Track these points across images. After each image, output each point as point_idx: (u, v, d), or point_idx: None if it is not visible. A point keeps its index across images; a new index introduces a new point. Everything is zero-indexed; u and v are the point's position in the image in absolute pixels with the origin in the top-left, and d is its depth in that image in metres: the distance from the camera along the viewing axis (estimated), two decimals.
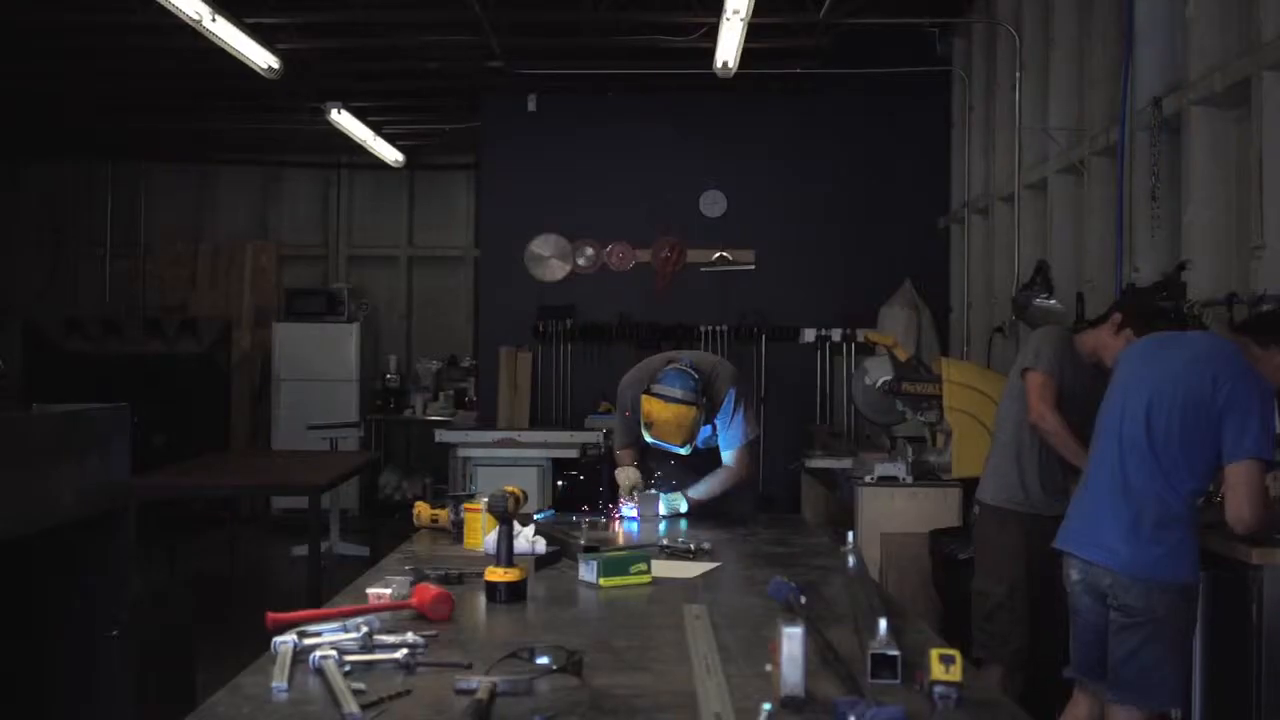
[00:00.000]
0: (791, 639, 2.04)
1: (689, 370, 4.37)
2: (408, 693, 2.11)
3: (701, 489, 4.50)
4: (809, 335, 9.24)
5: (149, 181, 12.26)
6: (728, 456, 4.59)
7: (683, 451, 4.40)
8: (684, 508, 4.42)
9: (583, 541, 3.45)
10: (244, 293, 11.88)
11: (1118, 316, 4.20)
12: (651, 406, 4.29)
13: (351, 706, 2.00)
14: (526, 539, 3.40)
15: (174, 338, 11.22)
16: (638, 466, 4.58)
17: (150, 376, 10.40)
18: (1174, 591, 3.28)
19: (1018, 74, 7.07)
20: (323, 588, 6.03)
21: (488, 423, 9.30)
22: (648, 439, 4.40)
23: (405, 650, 2.31)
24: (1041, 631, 4.36)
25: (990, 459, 4.53)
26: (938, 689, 2.06)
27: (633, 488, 4.44)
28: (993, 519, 4.45)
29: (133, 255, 12.22)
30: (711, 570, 3.36)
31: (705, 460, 4.59)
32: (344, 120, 9.53)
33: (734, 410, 4.55)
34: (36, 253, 12.05)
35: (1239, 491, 3.23)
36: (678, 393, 4.26)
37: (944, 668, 2.06)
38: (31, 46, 8.38)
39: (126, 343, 11.11)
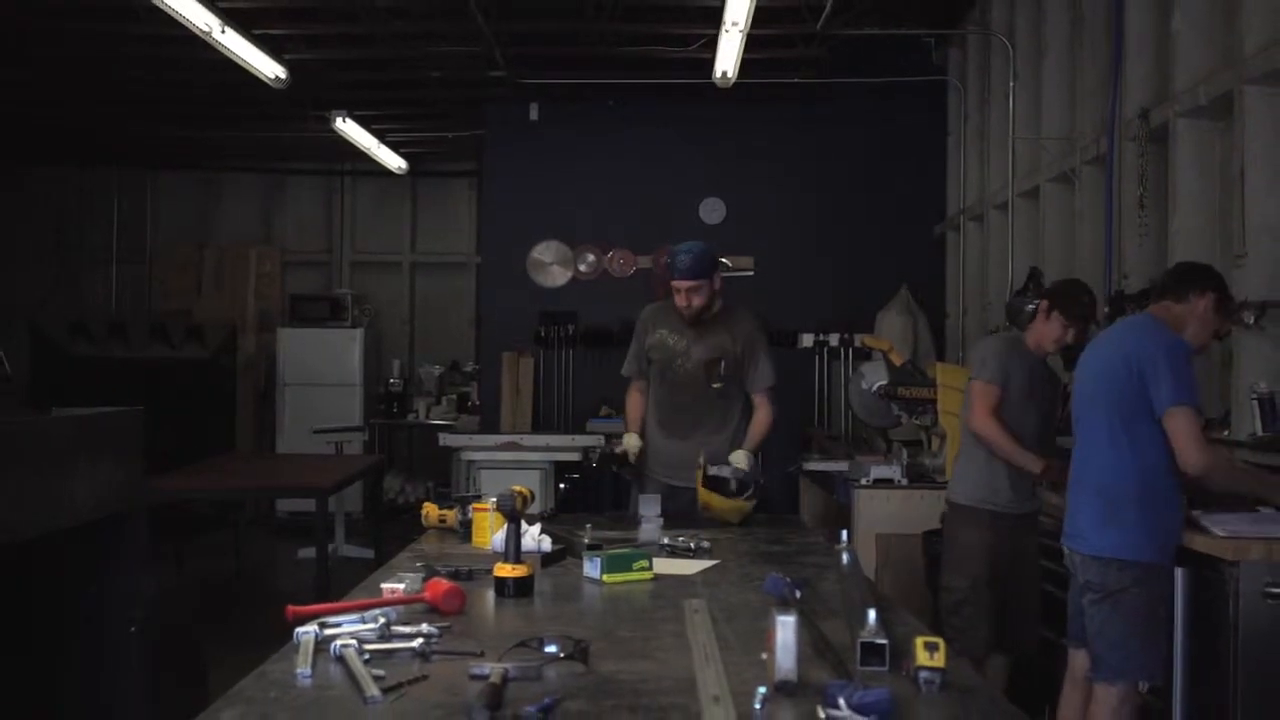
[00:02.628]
0: (785, 627, 2.16)
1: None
2: (424, 678, 2.23)
3: (752, 441, 4.72)
4: (807, 340, 9.34)
5: (155, 188, 12.42)
6: (757, 399, 4.83)
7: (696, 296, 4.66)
8: (745, 463, 4.57)
9: (586, 540, 3.58)
10: (248, 298, 12.02)
11: (1043, 303, 4.52)
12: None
13: (372, 690, 2.13)
14: (533, 537, 3.51)
15: (179, 342, 11.35)
16: (647, 395, 4.92)
17: (156, 380, 10.51)
18: (1133, 569, 3.51)
19: (1011, 84, 7.19)
20: (329, 589, 6.14)
21: (490, 426, 9.41)
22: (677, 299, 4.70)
23: (421, 639, 2.44)
24: (1015, 623, 4.52)
25: (958, 462, 4.72)
26: (922, 674, 2.19)
27: (633, 450, 4.72)
28: (960, 517, 4.64)
29: (138, 261, 12.37)
30: (711, 567, 3.48)
31: (700, 396, 4.80)
32: (348, 128, 9.67)
33: (757, 343, 4.84)
34: (42, 258, 12.19)
35: (1177, 441, 3.47)
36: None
37: (928, 654, 2.19)
38: (39, 55, 8.50)
39: (132, 347, 11.23)
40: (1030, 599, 4.53)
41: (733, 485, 4.41)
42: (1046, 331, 4.46)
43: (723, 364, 4.77)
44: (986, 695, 2.21)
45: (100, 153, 11.89)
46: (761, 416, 4.81)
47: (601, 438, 7.77)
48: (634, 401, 4.97)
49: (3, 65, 8.62)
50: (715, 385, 4.78)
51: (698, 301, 4.70)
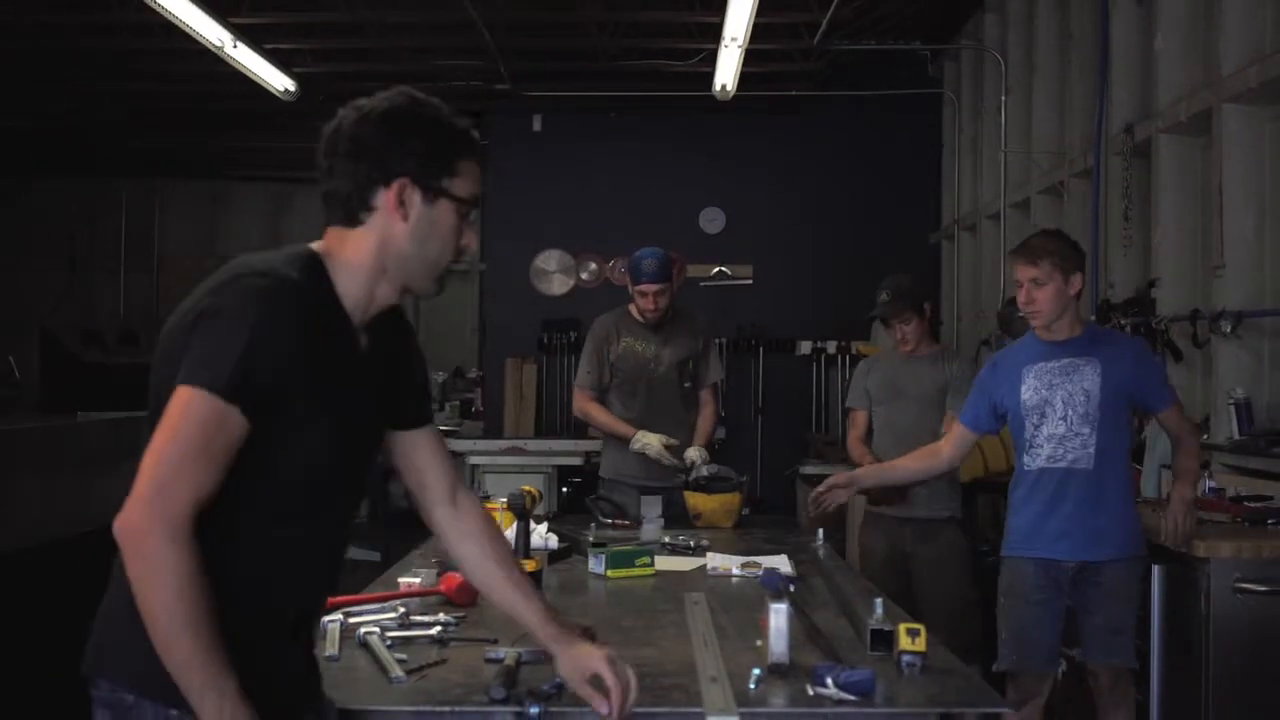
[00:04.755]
0: (778, 613, 2.34)
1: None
2: (444, 662, 2.41)
3: (703, 436, 4.89)
4: (805, 347, 9.47)
5: (164, 198, 12.59)
6: (705, 394, 5.01)
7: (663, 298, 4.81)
8: (706, 456, 4.75)
9: (591, 539, 3.76)
10: None
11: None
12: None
13: (397, 671, 2.30)
14: (540, 535, 3.68)
15: None
16: (603, 403, 4.98)
17: None
18: None
19: (1003, 98, 7.36)
20: (339, 589, 6.28)
21: (494, 432, 9.55)
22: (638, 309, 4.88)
23: (439, 627, 2.62)
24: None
25: None
26: (905, 658, 2.36)
27: (664, 445, 4.74)
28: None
29: (147, 269, 12.55)
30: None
31: (675, 396, 4.95)
32: None
33: (710, 340, 5.08)
34: (53, 266, 12.35)
35: None
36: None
37: (910, 639, 2.37)
38: (50, 67, 8.67)
39: (143, 354, 11.36)
40: (937, 609, 4.48)
41: (703, 473, 4.57)
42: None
43: (691, 363, 4.95)
44: (964, 676, 2.38)
45: (109, 163, 12.06)
46: (710, 413, 5.00)
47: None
48: (603, 411, 4.96)
49: (13, 76, 8.79)
50: (686, 385, 4.96)
51: (663, 304, 4.86)
